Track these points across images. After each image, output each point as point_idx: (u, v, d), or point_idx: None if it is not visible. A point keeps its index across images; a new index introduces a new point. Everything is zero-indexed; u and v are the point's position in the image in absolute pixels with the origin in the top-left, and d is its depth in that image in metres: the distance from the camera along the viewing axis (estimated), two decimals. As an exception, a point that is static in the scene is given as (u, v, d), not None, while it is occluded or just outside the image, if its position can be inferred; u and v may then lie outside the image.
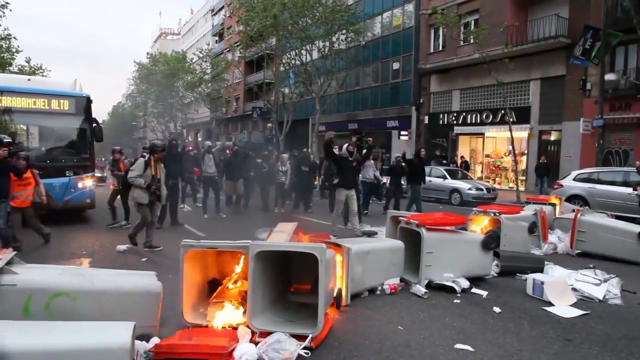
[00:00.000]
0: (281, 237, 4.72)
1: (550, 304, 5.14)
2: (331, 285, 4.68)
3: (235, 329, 3.97)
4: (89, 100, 10.69)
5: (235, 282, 4.95)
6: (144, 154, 8.17)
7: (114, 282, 3.59)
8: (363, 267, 5.27)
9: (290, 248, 3.98)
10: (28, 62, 32.44)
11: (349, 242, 5.32)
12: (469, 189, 16.75)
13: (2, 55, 27.35)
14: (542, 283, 5.31)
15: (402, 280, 5.80)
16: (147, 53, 48.07)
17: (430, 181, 16.59)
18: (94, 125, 10.72)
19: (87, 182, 10.57)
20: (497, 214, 7.44)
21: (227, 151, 14.84)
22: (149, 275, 3.91)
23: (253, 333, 3.88)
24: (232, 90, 47.47)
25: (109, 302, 3.46)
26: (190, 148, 14.67)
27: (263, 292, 4.20)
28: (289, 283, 5.15)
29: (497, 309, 4.97)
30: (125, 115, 72.92)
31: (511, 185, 22.72)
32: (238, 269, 4.84)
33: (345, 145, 9.55)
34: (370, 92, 30.47)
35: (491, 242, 6.04)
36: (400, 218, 6.11)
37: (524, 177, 21.33)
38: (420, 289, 5.47)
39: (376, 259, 5.47)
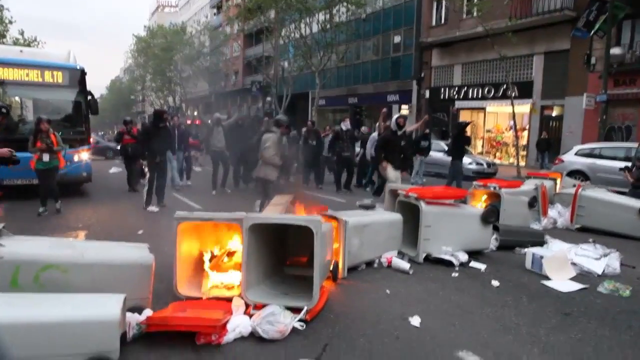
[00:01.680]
0: (277, 209, 4.64)
1: (550, 278, 5.09)
2: (327, 258, 4.62)
3: (229, 301, 3.92)
4: (83, 73, 10.49)
5: (231, 254, 4.90)
6: (273, 129, 7.30)
7: (105, 255, 3.51)
8: (360, 240, 5.21)
9: (285, 221, 3.89)
10: (22, 34, 31.96)
11: (346, 215, 5.24)
12: (470, 163, 16.62)
13: (-6, 27, 26.90)
14: (541, 257, 5.25)
15: (399, 253, 5.75)
16: (145, 26, 47.25)
17: (430, 155, 16.46)
18: (89, 97, 10.54)
19: (83, 156, 10.45)
20: (497, 188, 7.35)
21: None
22: (141, 247, 3.82)
23: (247, 305, 3.83)
24: (231, 64, 46.90)
25: (100, 275, 3.39)
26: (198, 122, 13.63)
27: (258, 265, 4.14)
28: (285, 256, 5.10)
29: (495, 283, 4.92)
30: (124, 89, 72.24)
31: (512, 160, 22.61)
32: (234, 242, 4.79)
33: (394, 117, 8.48)
34: (370, 66, 30.08)
35: (490, 215, 5.96)
36: (399, 191, 6.02)
37: (524, 153, 21.20)
38: (404, 264, 5.33)
39: (374, 232, 5.40)
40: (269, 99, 33.77)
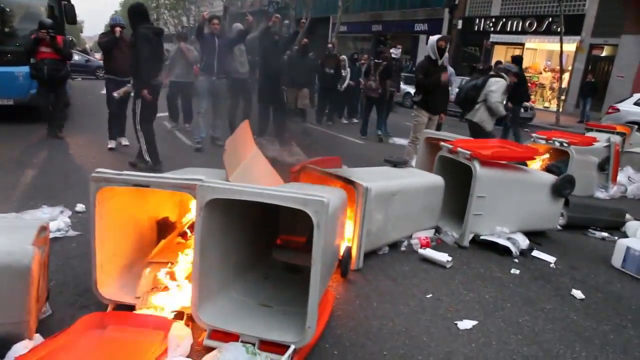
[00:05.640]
0: (255, 167, 3.06)
1: (652, 286, 3.54)
2: (336, 242, 3.09)
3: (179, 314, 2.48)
4: None
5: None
6: (502, 74, 6.07)
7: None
8: (386, 215, 3.64)
9: (266, 198, 2.32)
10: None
11: (366, 178, 3.60)
12: (504, 106, 14.64)
13: None
14: (643, 255, 3.67)
15: (436, 231, 4.22)
16: None
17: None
18: (64, 2, 8.71)
19: None
20: (566, 145, 5.64)
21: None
22: (25, 229, 2.30)
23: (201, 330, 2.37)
24: (248, -18, 43.62)
25: None
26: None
27: (224, 259, 2.62)
28: (274, 231, 3.58)
29: (577, 293, 3.36)
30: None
31: (546, 104, 20.52)
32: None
33: (434, 39, 6.36)
34: (399, -11, 27.20)
35: (566, 186, 4.32)
36: (442, 143, 4.36)
37: (563, 97, 19.03)
38: (441, 257, 3.70)
39: (405, 201, 3.81)
40: (286, 22, 31.12)
